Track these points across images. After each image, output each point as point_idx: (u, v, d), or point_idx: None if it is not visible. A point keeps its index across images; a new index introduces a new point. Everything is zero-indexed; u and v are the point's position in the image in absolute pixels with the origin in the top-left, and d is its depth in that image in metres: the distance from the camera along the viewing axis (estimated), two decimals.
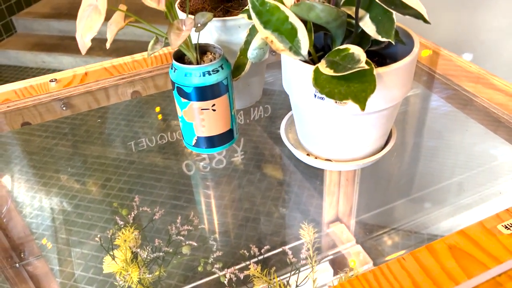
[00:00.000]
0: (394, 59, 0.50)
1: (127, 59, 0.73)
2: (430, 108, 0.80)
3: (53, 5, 2.90)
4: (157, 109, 0.99)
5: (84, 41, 0.39)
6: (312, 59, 0.45)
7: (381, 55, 0.51)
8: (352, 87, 0.39)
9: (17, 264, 0.77)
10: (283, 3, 0.42)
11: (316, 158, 0.51)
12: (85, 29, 0.40)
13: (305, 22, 0.43)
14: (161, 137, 0.79)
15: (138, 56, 0.73)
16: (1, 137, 0.84)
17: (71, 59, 2.50)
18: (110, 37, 0.44)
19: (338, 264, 0.95)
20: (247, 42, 0.51)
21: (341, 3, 0.46)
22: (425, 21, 0.38)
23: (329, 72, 0.39)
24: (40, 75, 0.74)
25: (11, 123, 0.69)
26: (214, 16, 0.53)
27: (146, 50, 0.72)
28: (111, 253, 0.62)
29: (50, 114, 0.70)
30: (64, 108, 0.70)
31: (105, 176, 1.78)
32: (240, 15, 0.51)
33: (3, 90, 0.66)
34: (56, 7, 2.85)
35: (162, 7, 0.41)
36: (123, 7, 0.44)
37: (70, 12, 2.78)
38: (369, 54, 0.49)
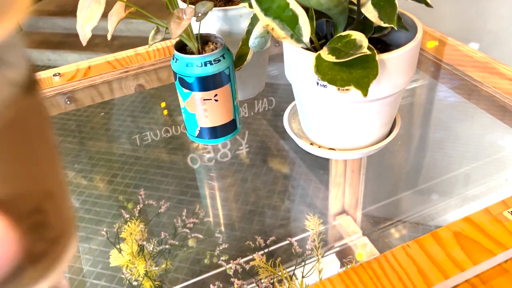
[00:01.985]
0: (397, 46, 0.50)
1: (130, 52, 0.73)
2: (436, 98, 0.80)
3: (57, 2, 2.91)
4: (162, 104, 0.99)
5: (84, 32, 0.39)
6: (315, 47, 0.45)
7: (384, 42, 0.50)
8: (354, 73, 0.38)
9: None
10: None
11: (319, 147, 0.50)
12: (86, 19, 0.39)
13: (306, 9, 0.42)
14: (166, 130, 0.79)
15: (141, 49, 0.73)
16: None
17: (77, 56, 2.51)
18: (111, 28, 0.44)
19: (345, 256, 0.95)
20: (249, 32, 0.51)
21: None
22: (427, 4, 0.37)
23: (330, 58, 0.39)
24: None
25: None
26: (215, 6, 0.53)
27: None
28: (118, 246, 0.62)
29: (55, 108, 0.71)
30: (68, 102, 0.70)
31: (111, 172, 1.80)
32: (242, 4, 0.51)
33: None
34: (61, 5, 2.86)
35: None
36: None
37: (75, 10, 2.78)
38: (371, 41, 0.49)
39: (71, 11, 2.77)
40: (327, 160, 0.98)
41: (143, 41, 0.71)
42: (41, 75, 0.68)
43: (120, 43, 2.50)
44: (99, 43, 2.57)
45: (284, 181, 0.83)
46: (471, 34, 1.29)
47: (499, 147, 0.77)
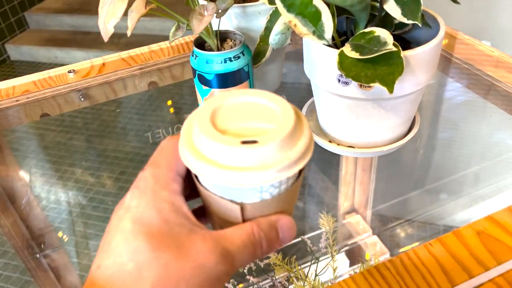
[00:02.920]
0: (417, 43, 0.50)
1: (144, 49, 0.72)
2: (447, 96, 0.79)
3: (65, 0, 2.91)
4: (169, 102, 0.99)
5: (107, 28, 0.39)
6: (335, 44, 0.45)
7: (404, 40, 0.50)
8: (379, 69, 0.38)
9: (37, 255, 0.77)
10: None
11: (338, 145, 0.50)
12: (108, 15, 0.39)
13: (327, 5, 0.42)
14: (178, 128, 0.78)
15: (154, 46, 0.73)
16: (20, 129, 0.85)
17: (84, 54, 2.52)
18: (131, 24, 0.44)
19: (355, 255, 0.95)
20: (267, 29, 0.51)
21: None
22: (454, 1, 0.37)
23: (354, 55, 0.39)
24: None
25: (31, 114, 0.70)
26: (234, 2, 0.53)
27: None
28: None
29: (69, 105, 0.71)
30: (82, 99, 0.70)
31: (119, 169, 1.79)
32: (260, 1, 0.51)
33: (23, 81, 0.67)
34: (68, 2, 2.87)
35: None
36: None
37: (82, 7, 2.79)
38: (392, 37, 0.48)
39: (78, 9, 2.78)
40: (338, 159, 0.98)
41: (150, 39, 0.71)
42: (56, 72, 0.68)
43: (126, 40, 2.50)
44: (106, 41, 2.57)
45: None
46: (482, 32, 1.29)
47: (508, 147, 0.76)
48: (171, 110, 0.99)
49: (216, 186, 0.25)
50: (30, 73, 0.67)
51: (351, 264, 0.89)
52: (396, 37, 0.49)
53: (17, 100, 0.66)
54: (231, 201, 0.24)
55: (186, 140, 0.24)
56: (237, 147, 0.22)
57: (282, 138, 0.23)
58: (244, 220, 0.25)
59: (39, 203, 0.90)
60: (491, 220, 0.42)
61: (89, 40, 2.61)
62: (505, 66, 0.61)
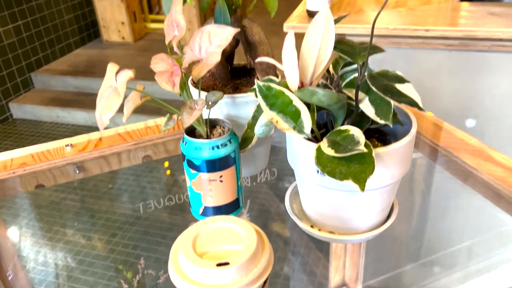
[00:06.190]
0: (394, 135, 0.53)
1: (140, 125, 0.76)
2: (435, 172, 0.81)
3: (71, 63, 3.04)
4: (166, 163, 1.01)
5: (103, 120, 0.43)
6: (315, 136, 0.48)
7: (382, 132, 0.53)
8: (352, 167, 0.41)
9: None
10: (287, 88, 0.45)
11: (320, 230, 0.52)
12: (105, 108, 0.43)
13: (307, 104, 0.46)
14: (169, 199, 0.80)
15: (151, 123, 0.77)
16: (13, 198, 0.86)
17: (84, 114, 2.59)
18: (127, 113, 0.48)
19: None
20: (254, 117, 0.54)
21: (343, 84, 0.50)
22: (419, 108, 0.40)
23: (330, 152, 0.42)
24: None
25: (26, 185, 0.72)
26: (224, 93, 0.57)
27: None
28: None
29: (64, 176, 0.73)
30: (77, 171, 0.73)
31: (111, 231, 1.78)
32: (249, 93, 0.55)
33: (21, 154, 0.69)
34: (74, 65, 2.99)
35: (176, 90, 0.44)
36: (140, 87, 0.48)
37: (87, 70, 2.90)
38: (370, 130, 0.52)
39: (82, 71, 2.89)
40: None
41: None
42: (53, 145, 0.71)
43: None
44: None
45: (284, 249, 0.83)
46: (468, 111, 1.34)
47: (501, 221, 0.78)
48: (166, 172, 1.01)
49: None
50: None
51: None
52: (373, 130, 0.53)
53: (13, 172, 0.69)
54: None
55: (174, 262, 0.33)
56: (213, 269, 0.30)
57: (247, 258, 0.30)
58: None
59: (24, 266, 0.89)
60: None
61: (91, 101, 2.69)
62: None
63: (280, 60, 0.46)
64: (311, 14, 1.29)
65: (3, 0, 2.62)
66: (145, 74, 2.97)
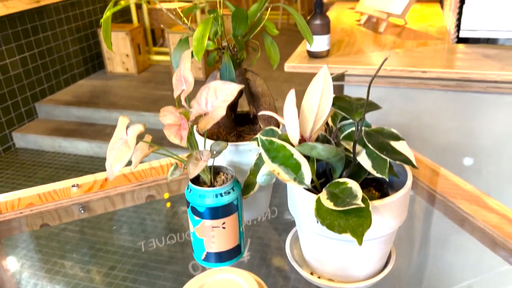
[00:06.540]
0: (390, 183, 0.55)
1: (145, 165, 0.78)
2: (434, 216, 0.82)
3: (74, 93, 3.09)
4: (166, 195, 1.03)
5: (113, 170, 0.45)
6: (315, 186, 0.50)
7: (379, 180, 0.55)
8: (351, 220, 0.43)
9: None
10: (288, 141, 0.47)
11: (319, 277, 0.53)
12: (115, 159, 0.45)
13: (307, 157, 0.48)
14: (170, 237, 0.81)
15: (155, 163, 0.79)
16: (19, 237, 0.88)
17: (86, 144, 2.61)
18: (135, 162, 0.50)
19: None
20: (257, 164, 0.57)
21: (341, 137, 0.52)
22: (413, 166, 0.43)
23: (329, 205, 0.44)
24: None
25: (31, 224, 0.73)
26: (228, 141, 0.59)
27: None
28: None
29: (69, 216, 0.75)
30: (82, 211, 0.74)
31: (110, 264, 1.77)
32: (251, 141, 0.57)
33: (28, 194, 0.71)
34: (77, 95, 3.04)
35: (184, 143, 0.46)
36: (148, 138, 0.50)
37: (90, 100, 2.95)
38: (368, 180, 0.54)
39: (86, 102, 2.93)
40: None
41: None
42: (60, 185, 0.73)
43: None
44: (110, 133, 2.68)
45: (284, 283, 0.83)
46: (465, 149, 1.37)
47: (501, 261, 0.78)
48: (167, 204, 1.03)
49: None
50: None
51: None
52: (371, 179, 0.55)
53: (20, 213, 0.70)
54: None
55: None
56: None
57: None
58: None
59: None
60: None
61: (93, 131, 2.72)
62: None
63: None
64: (311, 55, 1.33)
65: (11, 32, 2.69)
66: (147, 105, 2.99)
